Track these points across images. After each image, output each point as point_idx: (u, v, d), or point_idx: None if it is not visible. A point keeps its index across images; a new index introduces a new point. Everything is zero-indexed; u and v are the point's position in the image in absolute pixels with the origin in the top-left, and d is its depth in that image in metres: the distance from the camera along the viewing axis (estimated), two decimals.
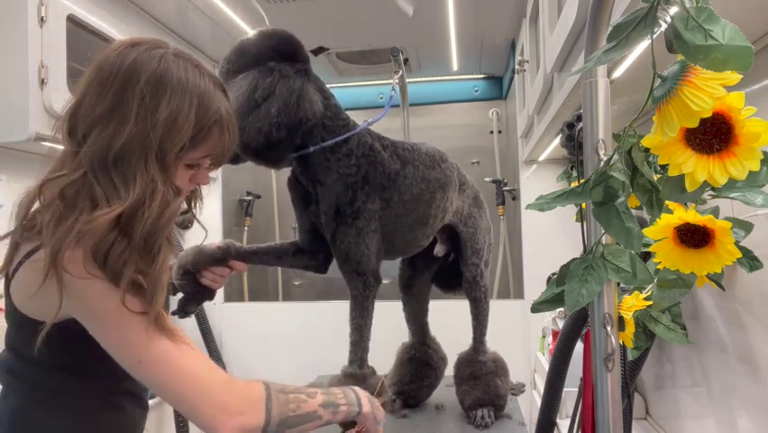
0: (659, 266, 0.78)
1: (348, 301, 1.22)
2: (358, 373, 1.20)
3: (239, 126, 0.92)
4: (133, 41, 0.82)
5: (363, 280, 1.18)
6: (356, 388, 0.97)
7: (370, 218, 1.16)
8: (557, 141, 1.88)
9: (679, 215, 0.74)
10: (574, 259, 0.68)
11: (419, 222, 1.24)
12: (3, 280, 0.81)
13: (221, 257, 1.19)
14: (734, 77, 0.51)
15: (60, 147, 0.81)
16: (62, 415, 0.83)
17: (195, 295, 1.19)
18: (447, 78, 3.09)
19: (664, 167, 0.57)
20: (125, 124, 0.75)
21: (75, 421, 0.84)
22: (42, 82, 1.51)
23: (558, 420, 1.21)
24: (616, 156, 0.61)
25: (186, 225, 2.55)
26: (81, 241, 0.72)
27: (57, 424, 0.83)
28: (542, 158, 2.40)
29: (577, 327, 1.02)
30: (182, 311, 1.21)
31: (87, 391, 0.85)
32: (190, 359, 0.78)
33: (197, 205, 0.96)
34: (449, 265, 1.51)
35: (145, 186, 0.75)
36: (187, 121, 0.77)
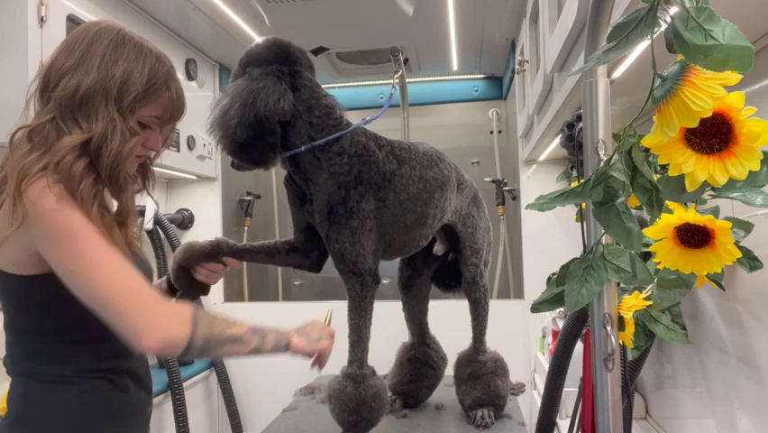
0: (659, 266, 0.78)
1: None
2: (357, 373, 1.20)
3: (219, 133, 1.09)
4: (99, 22, 0.99)
5: (360, 280, 1.18)
6: (288, 329, 1.00)
7: (365, 218, 1.16)
8: (557, 141, 1.88)
9: (679, 215, 0.74)
10: (574, 259, 0.68)
11: (417, 222, 1.24)
12: None
13: (211, 252, 1.20)
14: (734, 77, 0.51)
15: None
16: (66, 395, 0.90)
17: (189, 290, 1.21)
18: (447, 78, 3.09)
19: (664, 167, 0.57)
20: (90, 74, 0.90)
21: (79, 401, 0.90)
22: None
23: (558, 420, 1.21)
24: (616, 156, 0.61)
25: (186, 226, 2.55)
26: (49, 170, 0.84)
27: (61, 404, 0.89)
28: (542, 158, 2.40)
29: (577, 326, 1.02)
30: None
31: (90, 371, 0.92)
32: (129, 276, 0.84)
33: (150, 182, 1.06)
34: (448, 265, 1.51)
35: (106, 123, 0.89)
36: (140, 76, 0.93)
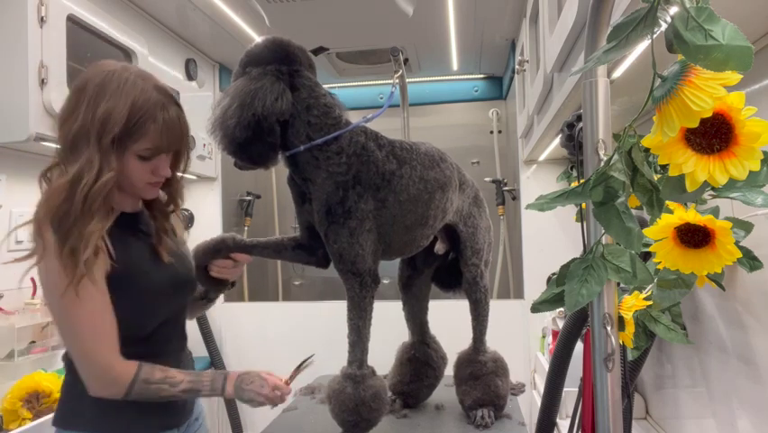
0: (659, 266, 0.78)
1: None
2: (357, 373, 1.20)
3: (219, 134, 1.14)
4: (100, 62, 1.08)
5: (359, 280, 1.18)
6: (230, 374, 1.14)
7: (363, 218, 1.16)
8: (557, 141, 1.88)
9: (679, 215, 0.74)
10: (574, 259, 0.68)
11: (418, 223, 1.24)
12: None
13: (216, 248, 1.22)
14: (734, 77, 0.51)
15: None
16: None
17: (211, 286, 1.27)
18: (447, 78, 3.09)
19: (664, 167, 0.57)
20: (78, 120, 1.01)
21: None
22: (42, 82, 1.51)
23: (558, 420, 1.21)
24: (616, 156, 0.61)
25: (186, 226, 2.55)
26: (44, 216, 0.99)
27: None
28: (542, 158, 2.40)
29: (577, 326, 1.02)
30: (205, 297, 1.32)
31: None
32: (88, 330, 1.02)
33: (178, 198, 1.18)
34: (449, 264, 1.51)
35: (84, 163, 1.00)
36: (121, 113, 1.00)
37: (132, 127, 1.02)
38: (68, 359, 1.09)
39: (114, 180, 1.02)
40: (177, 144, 1.09)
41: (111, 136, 1.00)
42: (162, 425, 1.12)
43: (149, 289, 1.10)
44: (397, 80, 1.61)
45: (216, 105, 1.17)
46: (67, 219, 0.98)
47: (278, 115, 1.13)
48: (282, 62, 1.17)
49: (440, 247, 1.45)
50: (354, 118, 1.25)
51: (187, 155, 1.15)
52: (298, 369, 1.30)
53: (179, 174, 1.16)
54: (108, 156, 1.01)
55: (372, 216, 1.18)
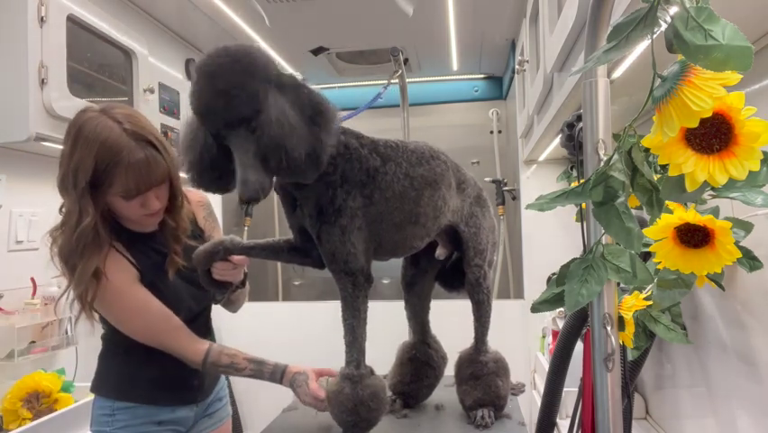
0: (659, 266, 0.78)
1: None
2: (355, 373, 1.20)
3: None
4: (85, 107, 1.17)
5: (352, 279, 1.18)
6: (288, 369, 1.33)
7: (353, 215, 1.16)
8: (557, 141, 1.88)
9: (679, 215, 0.74)
10: (574, 259, 0.68)
11: (408, 221, 1.23)
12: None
13: (213, 251, 1.21)
14: (734, 77, 0.51)
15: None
16: (120, 353, 1.29)
17: (214, 288, 1.29)
18: (447, 78, 3.10)
19: (664, 167, 0.57)
20: (62, 166, 1.13)
21: (128, 358, 1.28)
22: (42, 82, 1.51)
23: (558, 420, 1.21)
24: (616, 156, 0.61)
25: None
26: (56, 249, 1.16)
27: (119, 358, 1.30)
28: (542, 158, 2.41)
29: (577, 326, 1.02)
30: (212, 299, 1.39)
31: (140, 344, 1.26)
32: (142, 329, 1.25)
33: (182, 223, 1.29)
34: (453, 264, 1.51)
35: (67, 210, 1.13)
36: (86, 165, 1.09)
37: (102, 175, 1.10)
38: (105, 329, 1.29)
39: (94, 224, 1.12)
40: (150, 184, 1.14)
41: (81, 186, 1.10)
42: (177, 399, 1.30)
43: (164, 299, 1.25)
44: (394, 81, 1.60)
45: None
46: (66, 260, 1.14)
47: None
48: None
49: (440, 252, 1.45)
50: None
51: (177, 186, 1.23)
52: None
53: (180, 199, 1.26)
54: (85, 203, 1.11)
55: (361, 214, 1.17)
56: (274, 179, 1.12)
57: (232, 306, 1.51)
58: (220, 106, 0.98)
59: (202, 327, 1.37)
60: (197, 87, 1.00)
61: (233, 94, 0.97)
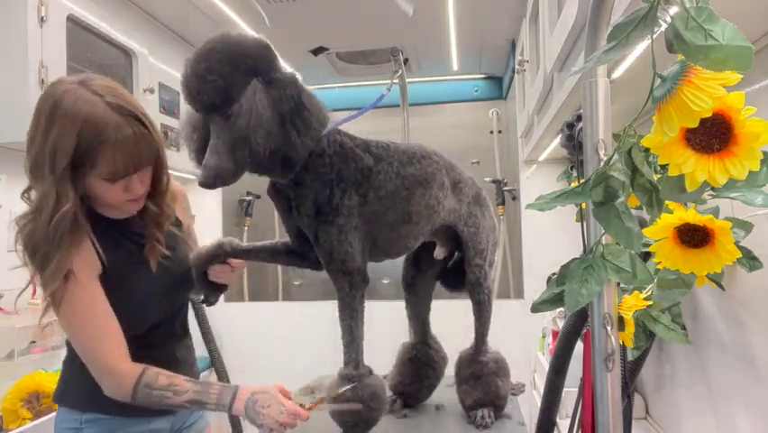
0: (659, 266, 0.78)
1: None
2: (354, 374, 1.20)
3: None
4: (58, 79, 1.05)
5: (349, 279, 1.18)
6: (240, 390, 1.08)
7: (350, 214, 1.16)
8: (557, 141, 1.88)
9: (679, 215, 0.74)
10: (574, 259, 0.68)
11: (401, 220, 1.23)
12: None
13: (214, 254, 1.21)
14: (734, 77, 0.51)
15: None
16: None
17: (209, 291, 1.27)
18: (447, 78, 3.09)
19: (664, 167, 0.57)
20: (33, 148, 1.00)
21: None
22: (42, 82, 1.51)
23: (558, 420, 1.21)
24: (616, 156, 0.61)
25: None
26: (21, 238, 1.02)
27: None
28: (542, 158, 2.41)
29: (577, 326, 1.02)
30: (205, 301, 1.31)
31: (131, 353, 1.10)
32: (85, 335, 1.05)
33: (166, 209, 1.16)
34: (455, 264, 1.51)
35: (42, 195, 0.99)
36: (67, 144, 0.96)
37: (83, 155, 0.97)
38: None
39: (74, 210, 0.99)
40: (139, 165, 1.02)
41: (61, 168, 0.97)
42: (153, 410, 1.10)
43: (137, 294, 1.11)
44: (395, 82, 1.60)
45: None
46: (37, 251, 1.00)
47: None
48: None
49: (439, 252, 1.45)
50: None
51: (163, 168, 1.11)
52: (333, 400, 1.19)
53: (165, 183, 1.14)
54: (64, 187, 0.98)
55: (357, 213, 1.18)
56: (270, 179, 1.13)
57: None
58: (194, 89, 1.01)
59: (178, 327, 1.24)
60: (186, 65, 1.03)
61: (209, 79, 1.00)
